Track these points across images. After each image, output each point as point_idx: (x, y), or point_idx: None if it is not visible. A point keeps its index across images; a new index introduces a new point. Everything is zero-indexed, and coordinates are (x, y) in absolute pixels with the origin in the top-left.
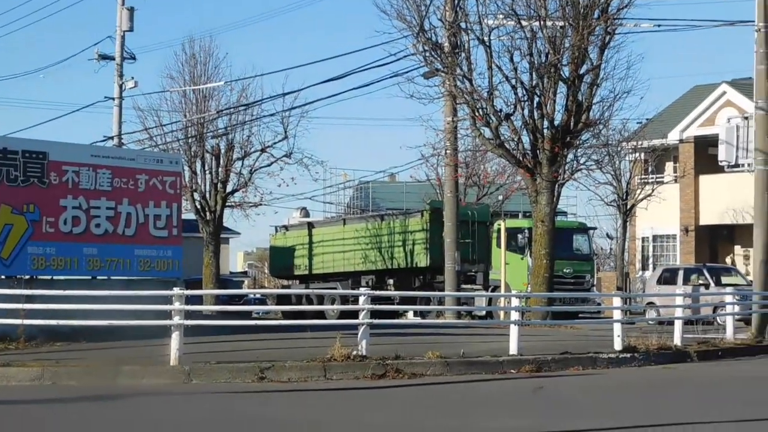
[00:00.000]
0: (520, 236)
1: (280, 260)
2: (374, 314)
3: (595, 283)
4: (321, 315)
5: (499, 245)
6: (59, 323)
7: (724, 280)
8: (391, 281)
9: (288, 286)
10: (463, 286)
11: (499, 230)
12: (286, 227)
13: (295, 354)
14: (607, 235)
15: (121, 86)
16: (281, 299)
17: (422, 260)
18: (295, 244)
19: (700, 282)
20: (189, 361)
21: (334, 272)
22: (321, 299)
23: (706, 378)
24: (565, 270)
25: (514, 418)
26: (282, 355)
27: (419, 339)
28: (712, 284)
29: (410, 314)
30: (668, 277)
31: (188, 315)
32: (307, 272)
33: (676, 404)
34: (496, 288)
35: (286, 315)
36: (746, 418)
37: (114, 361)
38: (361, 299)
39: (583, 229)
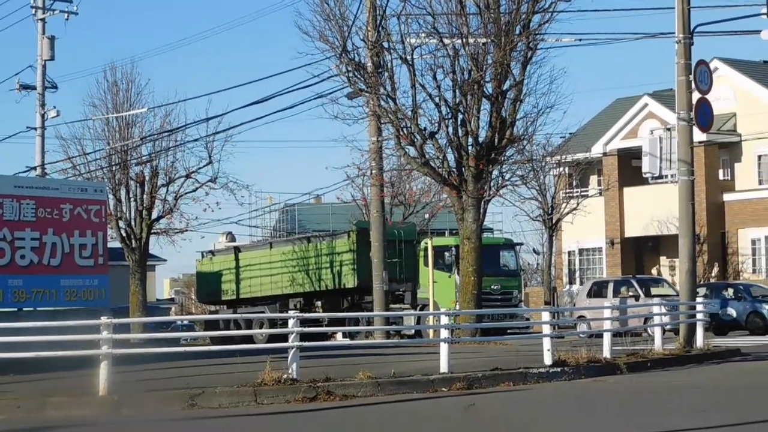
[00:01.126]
0: (447, 254)
1: (207, 286)
2: (304, 337)
3: (522, 298)
4: (250, 339)
5: (426, 264)
6: None
7: (654, 291)
8: (319, 303)
9: (216, 312)
10: (392, 305)
11: (426, 248)
12: (212, 252)
13: (225, 379)
14: (534, 250)
15: (43, 116)
16: (209, 325)
17: (350, 281)
18: (222, 269)
19: (630, 294)
20: (118, 391)
21: (262, 296)
22: (250, 324)
23: (635, 389)
24: (492, 287)
25: None
26: (212, 381)
27: (350, 360)
28: (642, 295)
29: (339, 336)
30: (598, 290)
31: (116, 344)
32: (234, 297)
33: (606, 416)
34: (424, 306)
35: (215, 340)
36: (679, 427)
37: (42, 393)
38: (290, 322)
39: (510, 245)
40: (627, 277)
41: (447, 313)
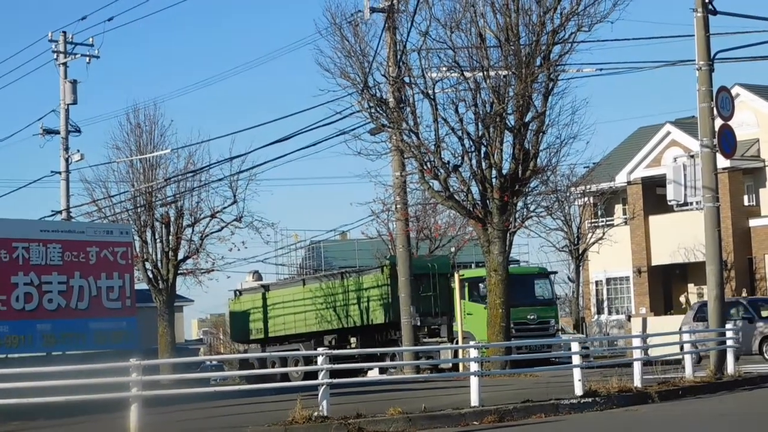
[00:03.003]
0: (481, 286)
1: (240, 324)
2: (334, 374)
3: (559, 328)
4: (285, 378)
5: (461, 296)
6: (15, 402)
7: (764, 313)
8: (353, 339)
9: (246, 351)
10: (427, 339)
11: (461, 281)
12: (239, 291)
13: (256, 418)
14: (569, 278)
15: (67, 159)
16: (243, 364)
17: (383, 316)
18: (255, 307)
19: (743, 316)
20: None
21: (296, 333)
22: (284, 362)
23: (667, 417)
24: (529, 316)
25: None
26: (243, 420)
27: (380, 396)
28: (756, 317)
29: (376, 371)
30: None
31: (146, 386)
32: (268, 335)
33: None
34: (464, 339)
35: (250, 380)
36: None
37: None
38: (320, 359)
39: (544, 274)
40: (737, 299)
41: (476, 345)
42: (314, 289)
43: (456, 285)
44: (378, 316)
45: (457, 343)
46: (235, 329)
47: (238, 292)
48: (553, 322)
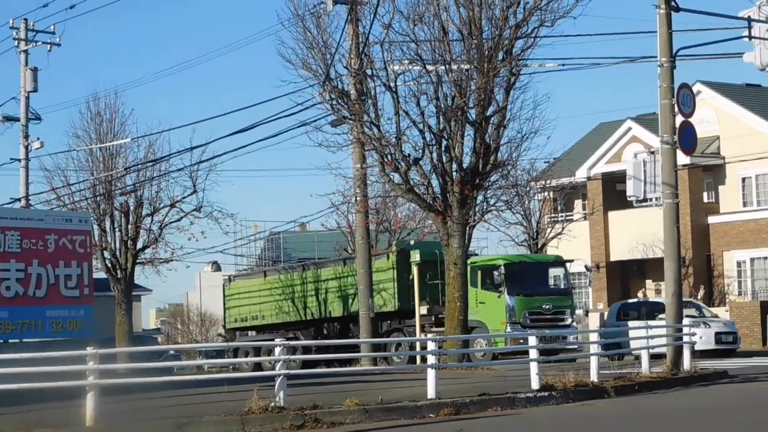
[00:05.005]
0: (495, 273)
1: (235, 311)
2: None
3: (574, 318)
4: (259, 368)
5: (474, 284)
6: None
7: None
8: (354, 328)
9: (231, 340)
10: (435, 329)
11: (473, 268)
12: (232, 277)
13: (212, 408)
14: (586, 267)
15: (26, 147)
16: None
17: (390, 304)
18: (251, 293)
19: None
20: (105, 421)
21: (294, 321)
22: (258, 351)
23: (622, 412)
24: (544, 306)
25: None
26: (199, 410)
27: (338, 387)
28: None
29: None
30: (625, 313)
31: (103, 374)
32: (264, 322)
33: None
34: (473, 329)
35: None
36: None
37: (27, 426)
38: (277, 350)
39: (560, 263)
40: (639, 300)
41: (433, 339)
42: (314, 275)
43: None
44: (383, 304)
45: (474, 332)
46: (229, 316)
47: (231, 278)
48: (569, 312)
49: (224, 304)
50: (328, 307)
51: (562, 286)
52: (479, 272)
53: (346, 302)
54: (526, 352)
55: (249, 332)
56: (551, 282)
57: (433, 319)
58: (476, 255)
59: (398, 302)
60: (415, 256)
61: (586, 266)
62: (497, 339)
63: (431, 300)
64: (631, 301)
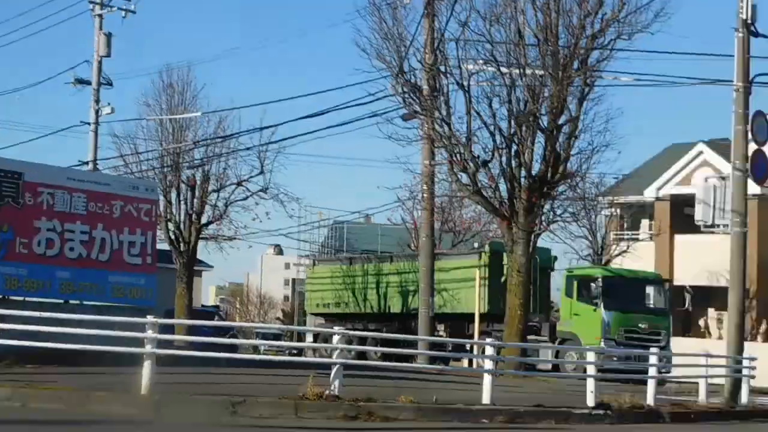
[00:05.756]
0: (593, 285)
1: (317, 296)
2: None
3: (669, 340)
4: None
5: (569, 294)
6: (31, 345)
7: None
8: (441, 327)
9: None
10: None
11: (569, 278)
12: (316, 260)
13: (268, 390)
14: (686, 290)
15: (97, 111)
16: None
17: (479, 305)
18: (334, 280)
19: None
20: (160, 391)
21: (377, 313)
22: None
23: None
24: (640, 325)
25: None
26: (255, 390)
27: (393, 383)
28: None
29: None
30: None
31: (161, 344)
32: (345, 311)
33: None
34: (564, 341)
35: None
36: None
37: (85, 387)
38: (334, 338)
39: (659, 281)
40: None
41: (492, 344)
42: (403, 267)
43: (563, 282)
44: (472, 305)
45: (565, 344)
46: (312, 301)
47: (315, 261)
48: (665, 333)
49: (307, 288)
50: (410, 303)
51: (660, 306)
52: (575, 283)
53: (438, 299)
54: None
55: (327, 319)
56: (649, 300)
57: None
58: (574, 267)
59: (488, 305)
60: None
61: (686, 289)
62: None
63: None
64: None
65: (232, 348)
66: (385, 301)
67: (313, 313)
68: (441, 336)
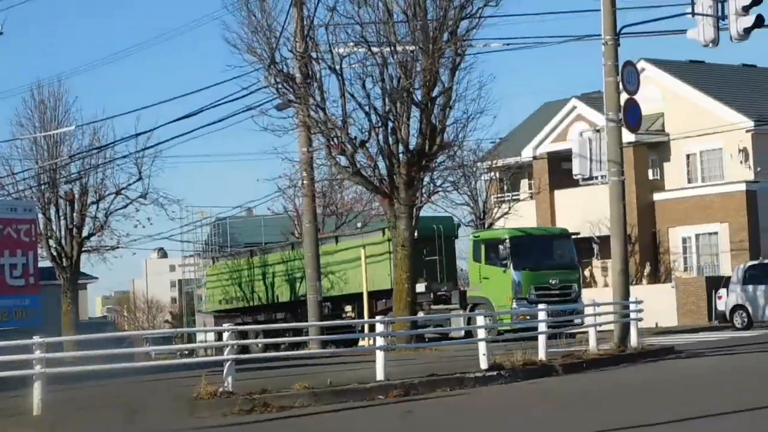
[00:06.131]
0: (500, 247)
1: (218, 294)
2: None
3: (579, 293)
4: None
5: (476, 259)
6: None
7: None
8: (349, 308)
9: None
10: (434, 307)
11: (476, 242)
12: (216, 258)
13: (162, 395)
14: (593, 240)
15: None
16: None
17: (385, 283)
18: (233, 274)
19: None
20: (53, 410)
21: (281, 302)
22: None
23: (570, 390)
24: (551, 281)
25: None
26: (149, 397)
27: (287, 371)
28: None
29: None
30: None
31: (49, 363)
32: (249, 304)
33: (538, 418)
34: (475, 306)
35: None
36: (615, 426)
37: None
38: (225, 335)
39: (565, 235)
40: None
41: (381, 320)
42: (302, 254)
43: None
44: (379, 283)
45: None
46: (213, 298)
47: (215, 259)
48: (576, 286)
49: (206, 287)
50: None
51: (568, 260)
52: (483, 246)
53: (336, 282)
54: (535, 330)
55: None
56: (557, 256)
57: (431, 296)
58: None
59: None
60: None
61: (593, 239)
62: (503, 317)
63: (429, 277)
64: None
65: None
66: (292, 290)
67: (215, 311)
68: (351, 317)
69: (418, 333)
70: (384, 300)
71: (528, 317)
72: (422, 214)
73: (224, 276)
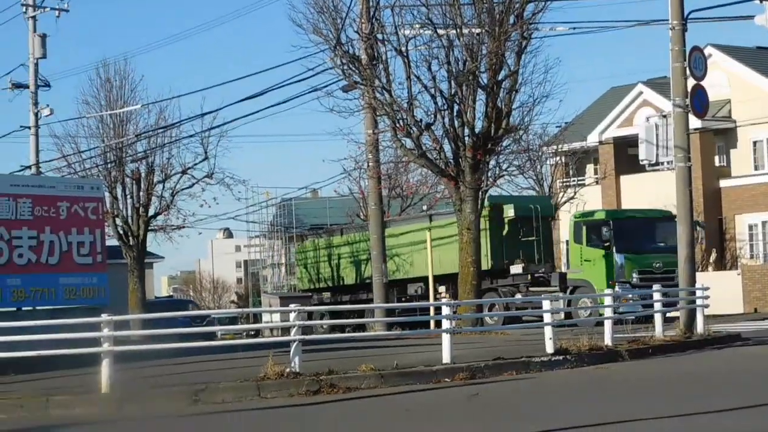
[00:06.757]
0: (603, 229)
1: (311, 271)
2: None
3: None
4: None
5: (577, 240)
6: None
7: None
8: (442, 288)
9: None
10: (532, 289)
11: (577, 223)
12: (303, 236)
13: (228, 375)
14: (698, 223)
15: (36, 114)
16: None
17: (482, 263)
18: (326, 252)
19: None
20: (121, 388)
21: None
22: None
23: (637, 375)
24: (654, 264)
25: (446, 427)
26: (215, 376)
27: (353, 353)
28: None
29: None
30: None
31: (117, 341)
32: (340, 283)
33: (609, 403)
34: (575, 289)
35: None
36: (684, 412)
37: (44, 392)
38: (291, 316)
39: (670, 218)
40: None
41: (448, 303)
42: (397, 233)
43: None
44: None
45: (576, 292)
46: (305, 276)
47: (304, 237)
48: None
49: (299, 264)
50: (414, 266)
51: (671, 243)
52: (584, 228)
53: (435, 261)
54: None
55: (323, 294)
56: (660, 239)
57: (529, 278)
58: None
59: (491, 261)
60: (509, 211)
61: (698, 222)
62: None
63: (526, 258)
64: None
65: (210, 336)
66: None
67: (307, 290)
68: (445, 298)
69: (515, 315)
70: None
71: (631, 300)
72: (441, 205)
73: (311, 255)
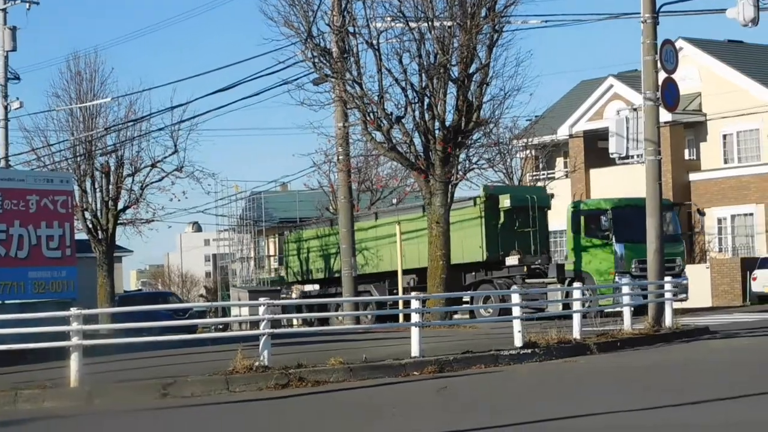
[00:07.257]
0: (602, 218)
1: (297, 263)
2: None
3: (684, 267)
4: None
5: (575, 230)
6: None
7: None
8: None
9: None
10: (528, 281)
11: (575, 213)
12: (290, 229)
13: (197, 368)
14: (698, 211)
15: (6, 107)
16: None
17: (477, 254)
18: (314, 243)
19: None
20: (89, 382)
21: (366, 273)
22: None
23: (604, 368)
24: None
25: (415, 420)
26: (184, 370)
27: (322, 347)
28: None
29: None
30: None
31: (86, 335)
32: (332, 275)
33: (576, 396)
34: (573, 281)
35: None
36: (649, 405)
37: (13, 386)
38: (261, 309)
39: (668, 206)
40: None
41: (417, 297)
42: (390, 223)
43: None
44: (469, 254)
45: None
46: (291, 269)
47: (294, 229)
48: (679, 260)
49: (286, 256)
50: (406, 259)
51: (672, 232)
52: (582, 218)
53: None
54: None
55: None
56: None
57: (525, 269)
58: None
59: (486, 252)
60: (505, 201)
61: (698, 210)
62: (603, 290)
63: (522, 249)
64: None
65: (191, 329)
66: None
67: (292, 283)
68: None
69: (510, 307)
70: (474, 273)
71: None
72: (411, 198)
73: (301, 246)
